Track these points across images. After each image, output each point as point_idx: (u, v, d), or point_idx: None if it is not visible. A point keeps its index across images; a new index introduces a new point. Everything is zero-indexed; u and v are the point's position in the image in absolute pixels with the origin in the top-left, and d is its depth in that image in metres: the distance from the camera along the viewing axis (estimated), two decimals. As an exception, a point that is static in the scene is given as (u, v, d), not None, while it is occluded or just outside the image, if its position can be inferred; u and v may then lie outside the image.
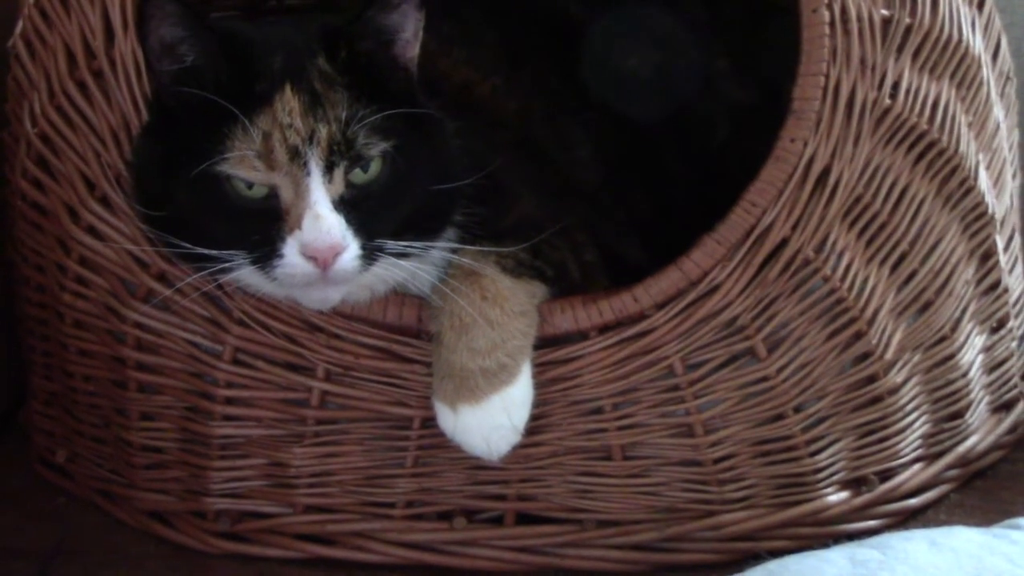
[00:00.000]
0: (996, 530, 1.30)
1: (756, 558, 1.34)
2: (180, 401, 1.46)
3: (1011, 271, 1.64)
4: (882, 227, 1.44)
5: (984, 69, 1.54)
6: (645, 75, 1.63)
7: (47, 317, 1.55)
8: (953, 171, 1.49)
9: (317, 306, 1.36)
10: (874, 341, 1.46)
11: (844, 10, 1.39)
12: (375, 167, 1.28)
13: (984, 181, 1.54)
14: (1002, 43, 1.62)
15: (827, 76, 1.39)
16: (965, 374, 1.57)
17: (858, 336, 1.45)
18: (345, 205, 1.26)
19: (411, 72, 1.33)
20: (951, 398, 1.57)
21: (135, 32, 1.36)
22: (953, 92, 1.49)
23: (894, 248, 1.46)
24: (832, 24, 1.39)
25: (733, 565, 1.41)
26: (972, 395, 1.59)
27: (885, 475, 1.52)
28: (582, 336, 1.40)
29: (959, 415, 1.58)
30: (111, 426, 1.52)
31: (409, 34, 1.31)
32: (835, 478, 1.50)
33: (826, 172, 1.39)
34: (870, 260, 1.44)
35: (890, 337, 1.47)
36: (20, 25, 1.50)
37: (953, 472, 1.58)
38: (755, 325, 1.41)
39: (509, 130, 1.52)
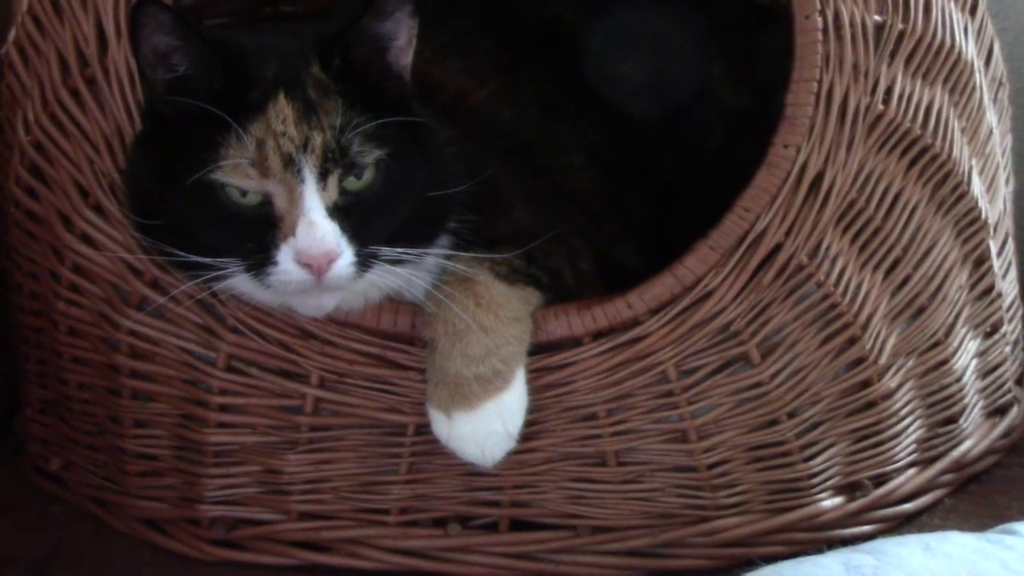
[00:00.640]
0: (990, 535, 1.30)
1: (750, 564, 1.33)
2: (174, 408, 1.46)
3: (1004, 276, 1.64)
4: (875, 232, 1.44)
5: (977, 74, 1.54)
6: (641, 80, 1.63)
7: (41, 325, 1.55)
8: (946, 176, 1.49)
9: (311, 313, 1.35)
10: (868, 346, 1.46)
11: (837, 16, 1.39)
12: (369, 174, 1.28)
13: (977, 186, 1.54)
14: (995, 48, 1.62)
15: (820, 82, 1.39)
16: (959, 379, 1.57)
17: (852, 341, 1.45)
18: (339, 212, 1.26)
19: (405, 80, 1.32)
20: (945, 403, 1.57)
21: (128, 41, 1.36)
22: (946, 97, 1.49)
23: (887, 253, 1.46)
24: (825, 30, 1.39)
25: (727, 571, 1.41)
26: (966, 400, 1.60)
27: (879, 480, 1.53)
28: (576, 342, 1.40)
29: (953, 420, 1.59)
30: (105, 434, 1.52)
31: (403, 42, 1.31)
32: (829, 483, 1.50)
33: (819, 178, 1.39)
34: (863, 265, 1.44)
35: (884, 342, 1.47)
36: (13, 32, 1.50)
37: (947, 477, 1.59)
38: (749, 331, 1.41)
39: (504, 137, 1.53)
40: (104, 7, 1.40)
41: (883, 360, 1.47)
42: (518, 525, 1.47)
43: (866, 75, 1.40)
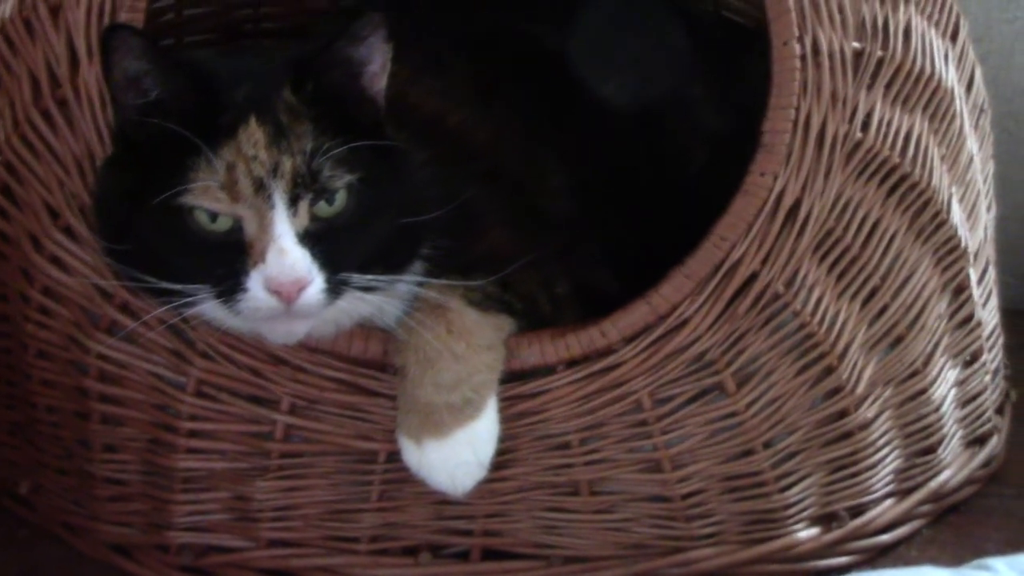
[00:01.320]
0: (965, 570, 1.29)
1: (724, 596, 1.33)
2: (143, 433, 1.45)
3: (985, 304, 1.63)
4: (853, 261, 1.43)
5: (957, 101, 1.53)
6: (621, 102, 1.62)
7: (10, 346, 1.53)
8: (925, 204, 1.48)
9: (282, 340, 1.34)
10: (845, 376, 1.45)
11: (815, 43, 1.38)
12: (341, 200, 1.26)
13: (957, 214, 1.53)
14: (976, 74, 1.61)
15: (798, 109, 1.38)
16: (938, 408, 1.56)
17: (829, 371, 1.44)
18: (310, 238, 1.24)
19: (378, 104, 1.31)
20: (923, 433, 1.56)
21: (99, 65, 1.35)
22: (926, 125, 1.48)
23: (865, 282, 1.44)
24: (803, 57, 1.38)
25: (701, 602, 1.40)
26: (945, 429, 1.58)
27: (856, 511, 1.51)
28: (549, 370, 1.39)
29: (932, 450, 1.57)
30: (74, 457, 1.50)
31: (377, 66, 1.29)
32: (805, 514, 1.48)
33: (796, 206, 1.38)
34: (841, 294, 1.43)
35: (861, 372, 1.46)
36: (-16, 52, 1.49)
37: (925, 508, 1.57)
38: (724, 360, 1.40)
39: (480, 160, 1.51)
40: (76, 27, 1.39)
41: (860, 390, 1.46)
42: (490, 554, 1.45)
43: (844, 103, 1.39)
